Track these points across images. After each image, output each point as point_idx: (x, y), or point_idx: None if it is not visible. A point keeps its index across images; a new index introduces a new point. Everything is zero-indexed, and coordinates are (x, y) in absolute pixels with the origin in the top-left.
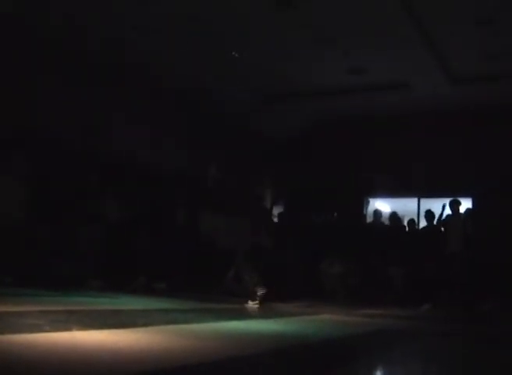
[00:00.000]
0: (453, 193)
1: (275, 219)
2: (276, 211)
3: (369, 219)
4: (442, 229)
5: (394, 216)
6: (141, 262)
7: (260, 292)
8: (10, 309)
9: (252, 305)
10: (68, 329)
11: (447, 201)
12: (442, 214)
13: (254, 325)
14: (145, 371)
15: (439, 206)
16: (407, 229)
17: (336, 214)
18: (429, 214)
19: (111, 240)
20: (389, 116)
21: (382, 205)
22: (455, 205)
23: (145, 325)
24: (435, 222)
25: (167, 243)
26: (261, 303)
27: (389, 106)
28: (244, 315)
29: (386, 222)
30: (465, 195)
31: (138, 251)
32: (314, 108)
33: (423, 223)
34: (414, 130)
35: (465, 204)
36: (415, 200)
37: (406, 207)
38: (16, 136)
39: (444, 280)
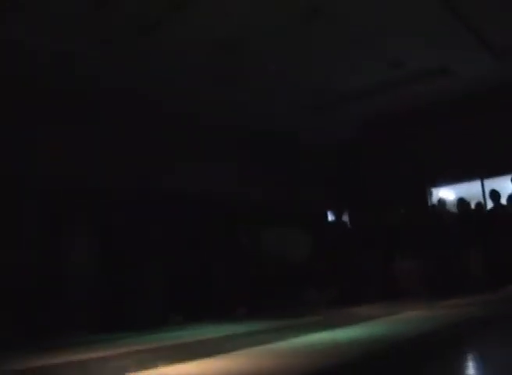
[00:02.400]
0: None
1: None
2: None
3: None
4: None
5: (462, 201)
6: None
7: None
8: (99, 354)
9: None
10: (154, 366)
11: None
12: None
13: (341, 334)
14: None
15: (504, 185)
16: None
17: (402, 210)
18: (495, 194)
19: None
20: (436, 103)
21: (446, 193)
22: None
23: (231, 350)
24: (504, 201)
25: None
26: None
27: (434, 94)
28: (328, 325)
29: (453, 209)
30: None
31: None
32: (359, 110)
33: (490, 205)
34: (464, 114)
35: None
36: (478, 183)
37: (470, 191)
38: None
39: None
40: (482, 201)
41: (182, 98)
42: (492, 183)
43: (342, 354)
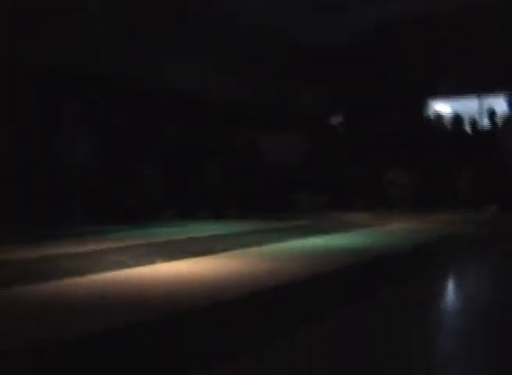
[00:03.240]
0: None
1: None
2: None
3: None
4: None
5: (456, 118)
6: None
7: None
8: (93, 248)
9: None
10: (151, 262)
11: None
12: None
13: (331, 240)
14: (234, 298)
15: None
16: (468, 130)
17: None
18: (491, 113)
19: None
20: (438, 15)
21: (443, 107)
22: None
23: (224, 250)
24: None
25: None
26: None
27: (435, 5)
28: (317, 230)
29: (448, 125)
30: None
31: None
32: (359, 17)
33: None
34: (467, 28)
35: None
36: (475, 100)
37: (466, 107)
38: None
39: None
40: (477, 118)
41: None
42: (488, 101)
43: (332, 261)
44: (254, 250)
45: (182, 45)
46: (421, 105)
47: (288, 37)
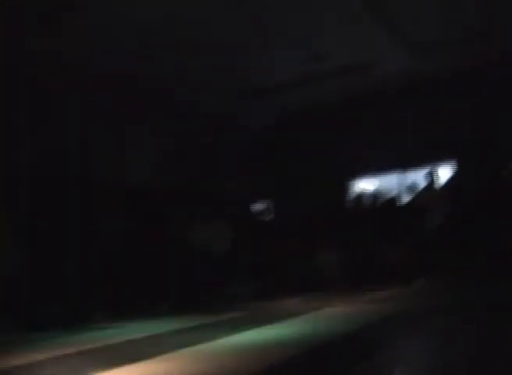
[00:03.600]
0: (438, 162)
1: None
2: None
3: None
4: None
5: (380, 195)
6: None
7: None
8: (19, 362)
9: None
10: (86, 373)
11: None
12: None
13: (262, 334)
14: None
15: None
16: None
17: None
18: (411, 188)
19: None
20: (356, 97)
21: (367, 185)
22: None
23: (159, 353)
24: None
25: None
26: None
27: (354, 88)
28: (252, 322)
29: (373, 202)
30: (448, 163)
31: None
32: (278, 101)
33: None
34: (385, 108)
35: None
36: (402, 175)
37: (391, 184)
38: None
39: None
40: (400, 193)
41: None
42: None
43: (268, 357)
44: (195, 350)
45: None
46: (346, 185)
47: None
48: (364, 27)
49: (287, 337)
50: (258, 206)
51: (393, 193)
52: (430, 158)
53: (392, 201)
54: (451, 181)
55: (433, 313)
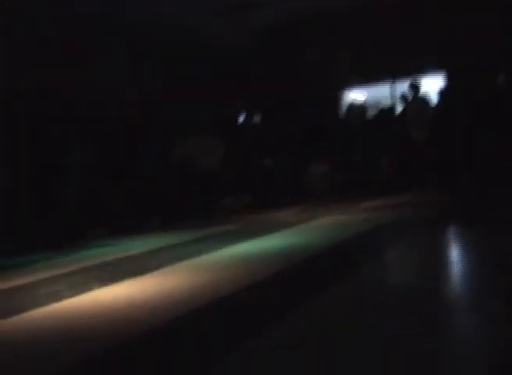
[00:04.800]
0: (427, 72)
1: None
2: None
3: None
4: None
5: (369, 106)
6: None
7: None
8: (24, 281)
9: None
10: (88, 289)
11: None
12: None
13: (257, 245)
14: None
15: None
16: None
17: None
18: (402, 99)
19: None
20: (346, 7)
21: (357, 95)
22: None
23: (157, 267)
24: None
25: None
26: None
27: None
28: (246, 234)
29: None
30: (437, 73)
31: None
32: (258, 14)
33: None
34: (374, 16)
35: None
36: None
37: (379, 93)
38: None
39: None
40: (391, 103)
41: None
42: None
43: (268, 267)
44: (190, 263)
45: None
46: (336, 96)
47: (195, 37)
48: None
49: (281, 248)
50: (248, 120)
51: (384, 103)
52: (420, 68)
53: (383, 112)
54: (442, 92)
55: (426, 223)
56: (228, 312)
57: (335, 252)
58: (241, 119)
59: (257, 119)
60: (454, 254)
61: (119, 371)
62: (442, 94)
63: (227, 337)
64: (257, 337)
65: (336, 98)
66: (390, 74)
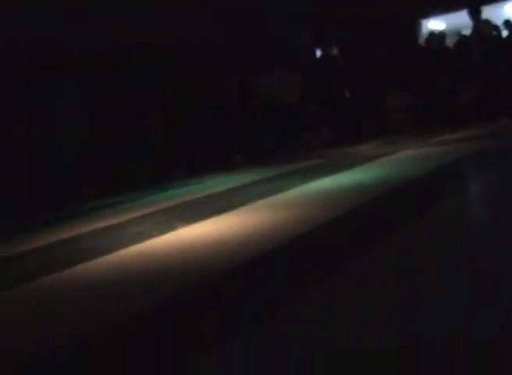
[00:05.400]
0: None
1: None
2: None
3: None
4: None
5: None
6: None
7: None
8: (112, 222)
9: None
10: (172, 228)
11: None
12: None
13: (342, 178)
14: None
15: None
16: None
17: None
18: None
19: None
20: None
21: (437, 24)
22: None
23: (241, 204)
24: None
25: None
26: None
27: None
28: (328, 169)
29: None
30: None
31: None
32: None
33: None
34: None
35: None
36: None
37: (463, 22)
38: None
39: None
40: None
41: None
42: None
43: (352, 202)
44: (273, 199)
45: None
46: (414, 26)
47: None
48: None
49: (364, 182)
50: (325, 53)
51: (465, 32)
52: None
53: (464, 40)
54: None
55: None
56: (308, 248)
57: (414, 186)
58: (319, 52)
59: (335, 51)
60: None
61: (204, 307)
62: None
63: (304, 275)
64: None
65: (415, 27)
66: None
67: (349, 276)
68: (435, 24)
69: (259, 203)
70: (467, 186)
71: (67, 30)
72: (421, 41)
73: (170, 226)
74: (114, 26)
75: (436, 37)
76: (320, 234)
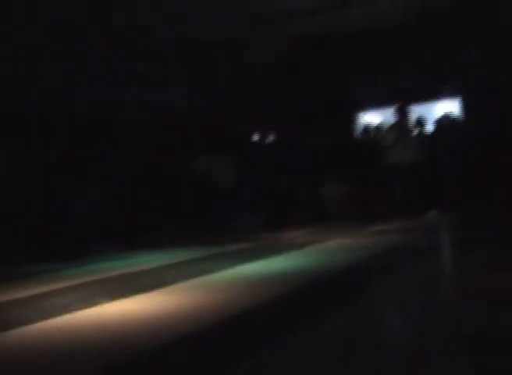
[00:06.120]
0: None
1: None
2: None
3: (360, 134)
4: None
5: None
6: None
7: None
8: (33, 292)
9: None
10: (96, 303)
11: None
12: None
13: (269, 264)
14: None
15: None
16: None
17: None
18: (420, 121)
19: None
20: (362, 29)
21: (373, 118)
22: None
23: (167, 284)
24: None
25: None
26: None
27: (360, 20)
28: (260, 253)
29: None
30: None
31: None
32: (283, 31)
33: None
34: (389, 39)
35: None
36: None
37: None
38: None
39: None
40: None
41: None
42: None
43: (277, 287)
44: (200, 281)
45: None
46: (351, 117)
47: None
48: None
49: (293, 269)
50: (264, 138)
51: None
52: (435, 92)
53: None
54: (450, 117)
55: (437, 248)
56: (230, 333)
57: (340, 276)
58: (256, 137)
59: (271, 137)
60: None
61: None
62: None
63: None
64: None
65: (352, 119)
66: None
67: (263, 365)
68: (371, 117)
69: (185, 284)
70: (390, 279)
71: None
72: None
73: (94, 301)
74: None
75: (372, 130)
76: (240, 320)
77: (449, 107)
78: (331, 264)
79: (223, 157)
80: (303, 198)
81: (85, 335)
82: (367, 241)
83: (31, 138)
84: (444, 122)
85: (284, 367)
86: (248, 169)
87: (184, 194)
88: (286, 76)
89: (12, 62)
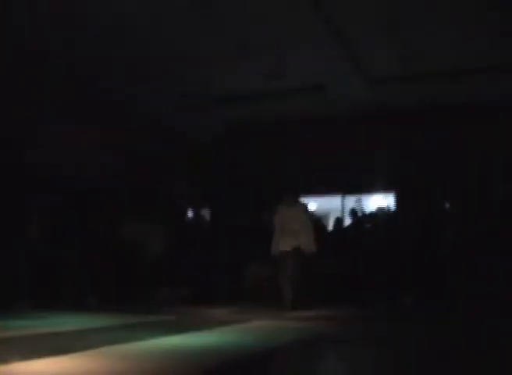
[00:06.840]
0: (377, 189)
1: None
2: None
3: None
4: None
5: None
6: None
7: None
8: None
9: None
10: (6, 361)
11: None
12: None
13: (188, 339)
14: None
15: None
16: (331, 227)
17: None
18: (353, 212)
19: (33, 259)
20: (306, 119)
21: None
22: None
23: (83, 348)
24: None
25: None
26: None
27: (305, 110)
28: (180, 327)
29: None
30: (388, 192)
31: (65, 266)
32: (226, 113)
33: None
34: (332, 133)
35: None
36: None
37: (331, 204)
38: None
39: (368, 276)
40: (341, 214)
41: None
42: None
43: (191, 362)
44: (116, 349)
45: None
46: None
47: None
48: (324, 51)
49: (209, 346)
50: (197, 213)
51: (334, 213)
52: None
53: (334, 223)
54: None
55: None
56: None
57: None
58: (190, 212)
59: (205, 214)
60: None
61: None
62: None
63: None
64: None
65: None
66: (341, 188)
67: None
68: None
69: (101, 350)
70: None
71: None
72: None
73: (2, 359)
74: None
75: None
76: None
77: (383, 200)
78: (251, 344)
79: (151, 226)
80: (228, 276)
81: None
82: (288, 326)
83: None
84: (379, 214)
85: None
86: (178, 243)
87: (108, 260)
88: (225, 157)
89: None
